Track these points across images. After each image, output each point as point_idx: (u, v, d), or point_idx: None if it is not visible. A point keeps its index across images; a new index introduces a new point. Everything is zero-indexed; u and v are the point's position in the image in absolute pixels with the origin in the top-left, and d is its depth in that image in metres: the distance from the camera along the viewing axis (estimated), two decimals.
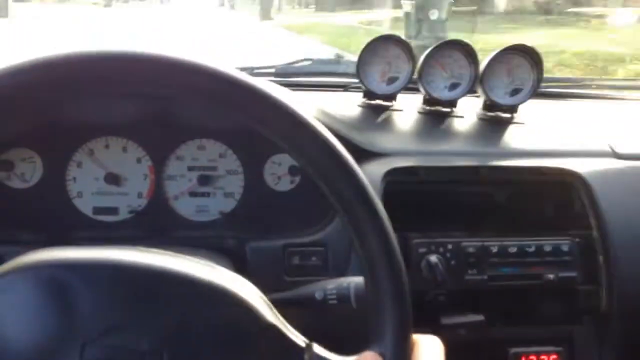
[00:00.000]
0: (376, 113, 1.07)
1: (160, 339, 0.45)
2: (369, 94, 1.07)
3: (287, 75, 1.27)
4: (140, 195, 0.96)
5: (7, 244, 0.82)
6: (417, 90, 1.08)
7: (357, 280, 0.64)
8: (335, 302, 0.63)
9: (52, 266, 0.46)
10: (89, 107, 0.92)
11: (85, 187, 0.95)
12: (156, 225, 0.96)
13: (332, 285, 0.65)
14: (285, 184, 0.99)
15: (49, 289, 0.45)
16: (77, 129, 0.94)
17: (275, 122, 0.47)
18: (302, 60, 1.35)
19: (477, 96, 1.09)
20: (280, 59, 1.33)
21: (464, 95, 1.06)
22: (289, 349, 0.48)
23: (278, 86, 0.92)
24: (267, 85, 0.47)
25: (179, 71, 0.45)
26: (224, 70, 0.46)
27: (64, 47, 0.47)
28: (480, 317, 0.88)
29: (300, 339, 0.49)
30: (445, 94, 1.06)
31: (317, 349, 0.48)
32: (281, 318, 0.49)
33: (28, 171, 0.93)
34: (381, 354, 0.47)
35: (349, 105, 1.08)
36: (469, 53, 1.05)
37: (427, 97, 1.07)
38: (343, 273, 0.85)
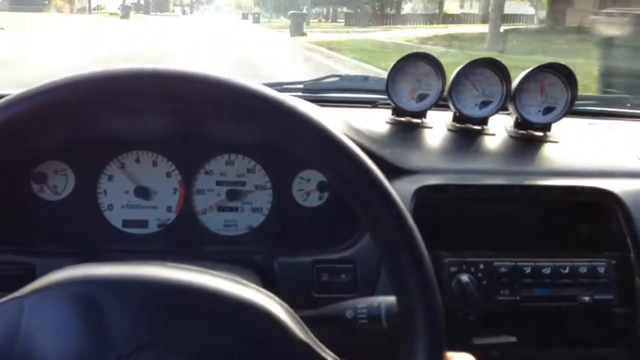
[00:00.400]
0: (405, 130, 1.06)
1: (191, 355, 0.45)
2: (398, 111, 1.07)
3: (315, 91, 1.27)
4: (169, 209, 0.97)
5: (38, 255, 0.83)
6: (447, 107, 1.07)
7: (388, 299, 0.63)
8: (365, 321, 0.62)
9: (84, 283, 0.46)
10: (121, 122, 0.93)
11: (116, 200, 0.96)
12: (185, 239, 0.96)
13: (362, 304, 0.64)
14: (313, 200, 0.99)
15: (81, 305, 0.45)
16: (109, 143, 0.95)
17: (305, 139, 0.47)
18: (330, 77, 1.35)
19: (508, 114, 1.07)
20: (308, 75, 1.34)
21: (495, 113, 1.05)
22: None
23: (307, 102, 0.92)
24: (297, 102, 0.47)
25: (208, 89, 0.45)
26: (253, 87, 0.46)
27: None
28: (512, 339, 0.87)
29: (331, 357, 0.48)
30: (476, 112, 1.05)
31: None
32: (312, 335, 0.49)
33: (60, 184, 0.94)
34: None
35: (377, 122, 1.08)
36: (501, 70, 1.04)
37: (458, 114, 1.06)
38: (371, 291, 0.84)
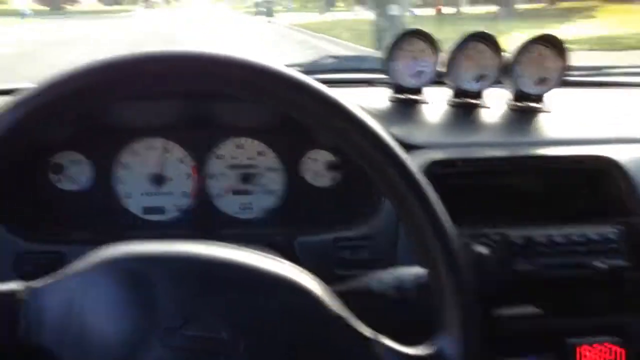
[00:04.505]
0: (406, 107, 1.09)
1: (233, 328, 0.48)
2: (397, 88, 1.09)
3: (314, 72, 1.29)
4: (185, 195, 1.00)
5: (66, 243, 0.86)
6: (444, 83, 1.10)
7: (415, 270, 0.64)
8: (393, 293, 0.63)
9: (133, 260, 0.49)
10: (129, 110, 0.95)
11: (133, 188, 0.99)
12: (203, 223, 0.99)
13: (388, 276, 0.65)
14: (324, 180, 1.02)
15: (131, 281, 0.48)
16: (119, 131, 0.98)
17: (325, 116, 0.49)
18: (327, 57, 1.37)
19: (502, 87, 1.10)
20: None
21: (490, 86, 1.08)
22: (356, 340, 0.49)
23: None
24: (318, 83, 0.50)
25: (226, 67, 0.48)
26: (270, 65, 0.48)
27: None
28: (533, 308, 0.87)
29: (366, 330, 0.50)
30: (473, 86, 1.08)
31: (385, 339, 0.50)
32: (347, 310, 0.51)
33: (77, 174, 0.97)
34: (450, 343, 0.49)
35: (377, 100, 1.10)
36: (494, 44, 1.07)
37: (455, 89, 1.09)
38: (392, 265, 0.87)
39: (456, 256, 0.49)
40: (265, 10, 26.50)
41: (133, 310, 0.48)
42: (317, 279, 0.52)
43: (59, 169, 0.96)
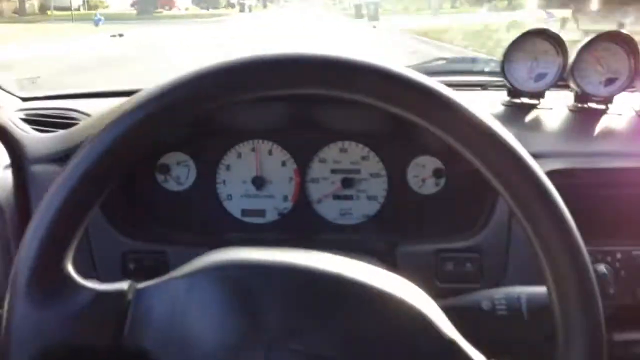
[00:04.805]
0: (523, 112, 1.01)
1: (341, 345, 0.45)
2: (514, 92, 1.02)
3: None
4: (285, 199, 0.98)
5: (169, 243, 0.87)
6: (565, 87, 1.02)
7: (529, 290, 0.61)
8: (504, 312, 0.60)
9: (239, 267, 0.47)
10: (237, 112, 0.95)
11: (234, 190, 0.98)
12: (301, 228, 0.97)
13: (499, 294, 0.62)
14: (429, 187, 0.97)
15: (235, 290, 0.46)
16: (226, 133, 0.98)
17: (453, 125, 0.45)
18: (436, 60, 1.32)
19: (633, 91, 1.00)
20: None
21: (621, 91, 0.98)
22: None
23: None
24: (440, 86, 0.46)
25: (349, 70, 0.45)
26: (393, 68, 0.45)
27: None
28: None
29: (480, 357, 0.46)
30: (601, 90, 0.99)
31: None
32: (458, 333, 0.47)
33: (182, 174, 0.98)
34: None
35: (491, 104, 1.04)
36: (629, 46, 0.97)
37: (580, 93, 1.00)
38: (497, 281, 0.82)
39: (588, 277, 0.45)
40: (368, 12, 22.04)
41: (237, 319, 0.46)
42: (429, 297, 0.49)
43: (165, 169, 0.97)
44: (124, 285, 0.47)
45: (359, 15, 24.68)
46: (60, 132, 0.94)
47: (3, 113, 0.99)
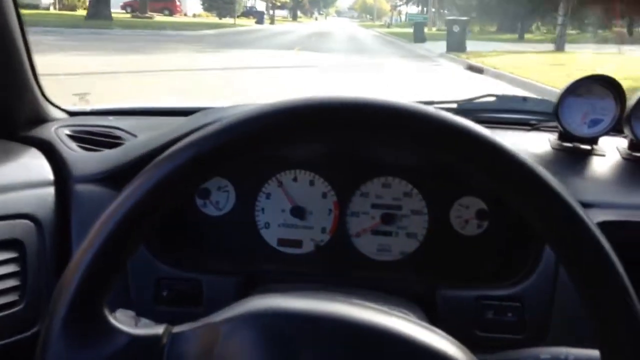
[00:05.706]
0: (574, 157, 0.98)
1: None
2: (566, 136, 0.99)
3: (470, 111, 1.21)
4: (324, 231, 0.96)
5: (204, 272, 0.86)
6: (619, 131, 0.98)
7: (577, 352, 0.58)
8: None
9: (277, 316, 0.45)
10: None
11: (272, 219, 0.97)
12: (337, 261, 0.95)
13: (545, 355, 0.60)
14: (472, 228, 0.94)
15: (274, 339, 0.44)
16: (269, 161, 0.97)
17: (503, 172, 0.44)
18: (485, 96, 1.29)
19: None
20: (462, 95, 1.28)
21: None
22: None
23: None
24: (485, 131, 0.44)
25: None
26: (435, 113, 0.43)
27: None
28: None
29: None
30: None
31: None
32: None
33: (222, 200, 0.97)
34: None
35: (540, 146, 1.01)
36: None
37: (635, 142, 0.96)
38: (541, 334, 0.78)
39: None
40: (450, 37, 13.88)
41: None
42: (472, 355, 0.46)
43: (206, 194, 0.97)
44: (159, 329, 0.46)
45: (419, 38, 17.60)
46: (106, 151, 0.95)
47: (51, 128, 1.01)
